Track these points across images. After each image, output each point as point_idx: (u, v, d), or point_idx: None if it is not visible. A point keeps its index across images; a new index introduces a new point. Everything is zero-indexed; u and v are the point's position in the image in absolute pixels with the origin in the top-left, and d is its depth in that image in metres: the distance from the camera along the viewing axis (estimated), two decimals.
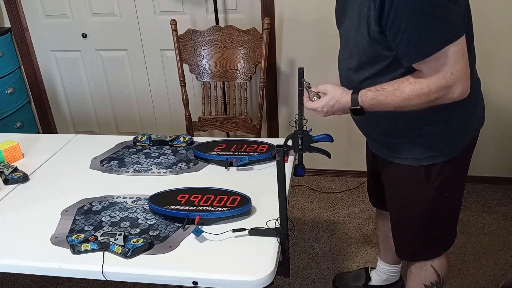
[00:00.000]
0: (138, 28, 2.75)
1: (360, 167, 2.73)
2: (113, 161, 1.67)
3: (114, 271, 1.16)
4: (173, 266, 1.15)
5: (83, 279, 2.09)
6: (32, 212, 1.40)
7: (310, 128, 1.43)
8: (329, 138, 1.43)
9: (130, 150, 1.74)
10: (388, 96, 1.19)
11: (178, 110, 2.90)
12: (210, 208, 1.30)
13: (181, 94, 2.40)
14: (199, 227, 1.24)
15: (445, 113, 1.25)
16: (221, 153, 1.61)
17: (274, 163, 1.36)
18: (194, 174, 1.57)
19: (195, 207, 1.30)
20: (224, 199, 1.33)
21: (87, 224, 1.32)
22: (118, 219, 1.34)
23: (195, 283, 1.13)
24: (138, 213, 1.36)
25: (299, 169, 1.52)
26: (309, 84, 1.35)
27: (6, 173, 1.58)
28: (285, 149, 1.21)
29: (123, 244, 1.20)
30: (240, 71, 2.32)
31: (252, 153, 1.60)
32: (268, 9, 2.49)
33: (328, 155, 1.45)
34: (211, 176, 1.55)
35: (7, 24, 2.88)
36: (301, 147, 1.43)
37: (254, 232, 1.23)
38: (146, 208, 1.38)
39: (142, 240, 1.21)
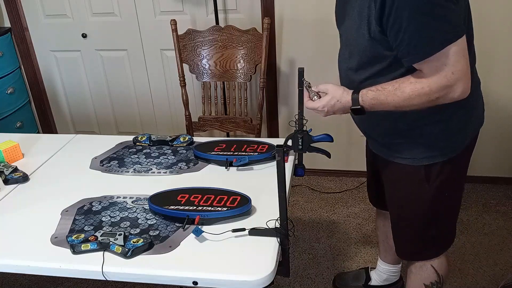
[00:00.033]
0: (138, 28, 2.75)
1: (360, 167, 2.73)
2: (113, 161, 1.67)
3: (114, 271, 1.16)
4: (173, 266, 1.15)
5: (83, 279, 2.09)
6: (32, 212, 1.40)
7: (310, 128, 1.43)
8: (329, 138, 1.43)
9: (130, 150, 1.74)
10: (389, 96, 1.19)
11: (178, 110, 2.90)
12: (210, 208, 1.30)
13: (181, 94, 2.40)
14: (199, 227, 1.24)
15: (446, 113, 1.25)
16: (221, 153, 1.61)
17: (274, 163, 1.36)
18: (194, 174, 1.57)
19: (195, 207, 1.30)
20: (224, 199, 1.33)
21: (87, 224, 1.32)
22: (118, 219, 1.34)
23: (195, 283, 1.13)
24: (138, 213, 1.36)
25: (299, 169, 1.52)
26: (309, 83, 1.35)
27: (6, 173, 1.58)
28: (285, 149, 1.21)
29: (123, 244, 1.20)
30: (240, 71, 2.32)
31: (252, 153, 1.60)
32: (268, 9, 2.49)
33: (328, 155, 1.45)
34: (211, 176, 1.55)
35: (7, 24, 2.88)
36: (301, 147, 1.43)
37: (254, 232, 1.23)
38: (146, 208, 1.38)
39: (142, 240, 1.21)
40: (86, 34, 2.83)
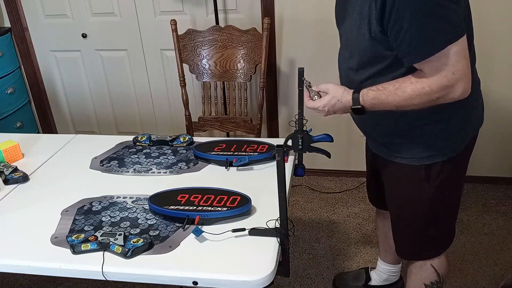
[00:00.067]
0: (138, 28, 2.75)
1: (360, 167, 2.73)
2: (113, 161, 1.67)
3: (114, 271, 1.16)
4: (173, 266, 1.15)
5: (83, 279, 2.09)
6: (32, 212, 1.40)
7: (310, 128, 1.43)
8: (329, 138, 1.43)
9: (130, 150, 1.74)
10: (390, 96, 1.19)
11: (178, 110, 2.90)
12: (210, 208, 1.29)
13: (181, 94, 2.40)
14: (199, 227, 1.24)
15: (446, 112, 1.25)
16: (221, 153, 1.61)
17: (274, 163, 1.36)
18: (194, 174, 1.57)
19: (195, 207, 1.30)
20: (224, 199, 1.33)
21: (87, 224, 1.32)
22: (118, 219, 1.34)
23: (195, 283, 1.13)
24: (138, 213, 1.36)
25: (299, 169, 1.52)
26: (309, 83, 1.35)
27: (6, 173, 1.58)
28: (285, 149, 1.21)
29: (123, 244, 1.20)
30: (240, 71, 2.32)
31: (252, 153, 1.59)
32: (268, 9, 2.49)
33: (328, 155, 1.45)
34: (211, 176, 1.55)
35: (7, 24, 2.88)
36: (301, 147, 1.43)
37: (254, 232, 1.23)
38: (146, 208, 1.38)
39: (142, 240, 1.21)
40: (86, 34, 2.83)
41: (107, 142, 1.81)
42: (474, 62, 1.27)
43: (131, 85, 2.93)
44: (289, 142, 1.45)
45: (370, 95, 1.22)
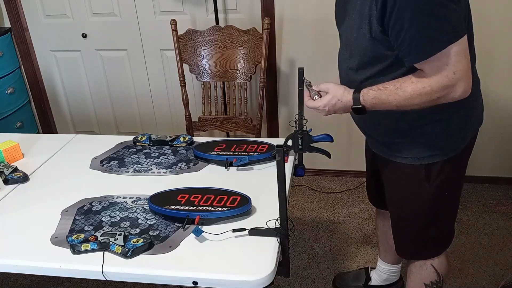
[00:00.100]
0: (138, 28, 2.75)
1: (360, 167, 2.73)
2: (113, 161, 1.67)
3: (114, 271, 1.16)
4: (173, 266, 1.15)
5: (83, 279, 2.09)
6: (32, 212, 1.40)
7: (310, 128, 1.43)
8: (329, 138, 1.43)
9: (130, 150, 1.74)
10: (390, 95, 1.19)
11: (178, 110, 2.90)
12: (210, 208, 1.29)
13: (181, 94, 2.40)
14: (199, 227, 1.24)
15: (447, 112, 1.25)
16: (221, 153, 1.61)
17: (274, 163, 1.36)
18: (194, 174, 1.57)
19: (195, 207, 1.30)
20: (224, 199, 1.33)
21: (87, 224, 1.32)
22: (118, 219, 1.34)
23: (195, 283, 1.13)
24: (138, 213, 1.36)
25: (299, 169, 1.52)
26: (310, 83, 1.35)
27: (6, 173, 1.58)
28: (285, 149, 1.21)
29: (123, 244, 1.20)
30: (240, 71, 2.32)
31: (252, 153, 1.59)
32: (268, 9, 2.49)
33: (328, 155, 1.45)
34: (211, 176, 1.55)
35: (7, 24, 2.88)
36: (301, 147, 1.43)
37: (254, 232, 1.23)
38: (146, 208, 1.38)
39: (142, 240, 1.21)
40: (86, 34, 2.83)
41: (107, 142, 1.81)
42: (474, 62, 1.27)
43: (131, 85, 2.93)
44: (289, 142, 1.45)
45: (371, 95, 1.22)
